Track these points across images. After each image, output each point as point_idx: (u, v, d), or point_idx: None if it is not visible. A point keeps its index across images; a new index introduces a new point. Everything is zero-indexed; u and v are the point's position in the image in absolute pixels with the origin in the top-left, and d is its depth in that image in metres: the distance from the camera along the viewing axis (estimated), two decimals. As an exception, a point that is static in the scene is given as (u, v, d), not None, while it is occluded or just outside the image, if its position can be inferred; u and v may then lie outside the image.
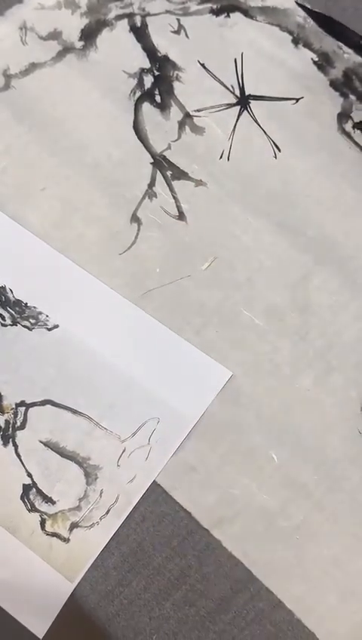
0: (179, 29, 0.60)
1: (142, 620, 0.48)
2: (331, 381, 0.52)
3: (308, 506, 0.50)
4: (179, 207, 0.55)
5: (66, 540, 0.49)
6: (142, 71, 0.59)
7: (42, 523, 0.49)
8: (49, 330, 0.52)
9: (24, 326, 0.52)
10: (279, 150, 0.57)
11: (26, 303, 0.53)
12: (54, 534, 0.49)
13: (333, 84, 0.58)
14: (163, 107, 0.58)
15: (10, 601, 0.48)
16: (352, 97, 0.57)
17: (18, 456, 0.50)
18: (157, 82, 0.58)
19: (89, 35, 0.60)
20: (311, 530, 0.48)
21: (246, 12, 0.60)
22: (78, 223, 0.55)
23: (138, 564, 0.49)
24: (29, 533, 0.49)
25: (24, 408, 0.51)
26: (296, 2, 0.58)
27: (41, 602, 0.48)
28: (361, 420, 0.51)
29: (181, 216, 0.55)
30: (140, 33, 0.60)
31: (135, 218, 0.55)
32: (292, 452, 0.51)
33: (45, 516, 0.49)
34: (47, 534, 0.49)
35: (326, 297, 0.53)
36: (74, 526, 0.49)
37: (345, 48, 0.59)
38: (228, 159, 0.56)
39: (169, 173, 0.56)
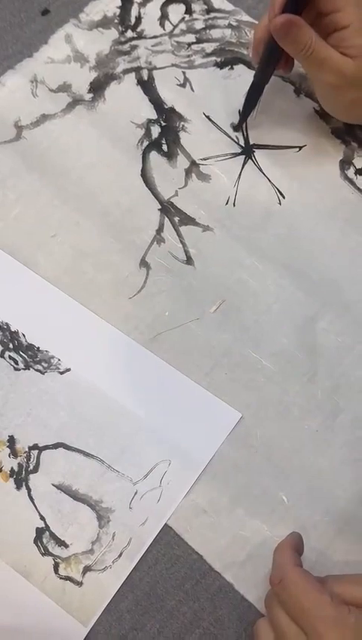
0: (184, 82, 0.62)
1: (156, 665, 0.48)
2: (339, 422, 0.52)
3: (320, 547, 0.50)
4: (186, 252, 0.57)
5: (79, 584, 0.49)
6: (150, 121, 0.61)
7: (56, 567, 0.49)
8: (61, 373, 0.53)
9: (37, 370, 0.53)
10: (283, 197, 0.58)
11: (39, 347, 0.54)
12: (67, 578, 0.49)
13: (335, 132, 0.60)
14: (170, 156, 0.60)
15: (24, 647, 0.48)
16: (354, 144, 0.59)
17: (31, 499, 0.50)
18: (164, 132, 0.60)
19: (98, 88, 0.62)
20: (323, 573, 0.48)
21: (249, 64, 0.62)
22: (88, 269, 0.56)
23: (151, 607, 0.49)
24: (43, 578, 0.49)
25: (37, 452, 0.51)
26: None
27: (55, 647, 0.48)
28: (370, 460, 0.52)
29: (189, 260, 0.56)
30: (147, 86, 0.62)
31: (144, 263, 0.56)
32: (302, 493, 0.51)
33: (59, 560, 0.49)
34: (61, 578, 0.49)
35: (332, 339, 0.54)
36: (87, 569, 0.49)
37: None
38: (234, 205, 0.58)
39: (176, 219, 0.58)
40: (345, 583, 0.44)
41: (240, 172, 0.59)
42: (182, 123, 0.61)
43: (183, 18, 0.64)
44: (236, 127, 0.60)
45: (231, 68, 0.62)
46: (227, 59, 0.63)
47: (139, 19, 0.64)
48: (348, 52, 0.51)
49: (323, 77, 0.53)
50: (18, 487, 0.51)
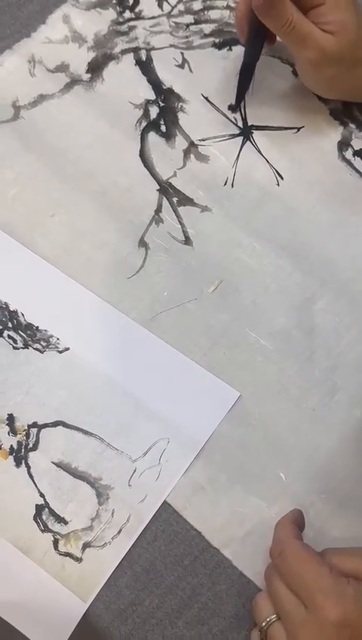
0: (182, 63, 0.62)
1: (155, 639, 0.48)
2: (336, 401, 0.53)
3: (317, 524, 0.50)
4: (185, 232, 0.57)
5: (79, 560, 0.49)
6: (148, 102, 0.61)
7: (55, 543, 0.49)
8: (60, 352, 0.53)
9: (35, 349, 0.53)
10: (282, 178, 0.58)
11: (37, 327, 0.54)
12: (67, 554, 0.49)
13: (333, 113, 0.60)
14: (168, 136, 0.60)
15: (24, 621, 0.48)
16: (352, 126, 0.60)
17: (31, 477, 0.50)
18: (163, 113, 0.60)
19: (96, 68, 0.62)
20: (320, 549, 0.48)
21: (248, 46, 0.62)
22: (86, 248, 0.56)
23: (150, 583, 0.49)
24: (43, 554, 0.49)
25: (36, 429, 0.51)
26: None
27: (54, 622, 0.48)
28: (367, 438, 0.52)
29: (187, 240, 0.57)
30: (145, 67, 0.62)
31: (142, 243, 0.56)
32: (300, 471, 0.51)
33: (58, 536, 0.49)
34: (60, 554, 0.49)
35: (330, 319, 0.55)
36: (86, 546, 0.49)
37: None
38: (233, 186, 0.58)
39: (175, 199, 0.58)
40: (344, 555, 0.44)
41: (239, 153, 0.59)
42: (181, 104, 0.61)
43: (181, -1, 0.64)
44: (233, 108, 0.60)
45: (230, 49, 0.62)
46: (225, 40, 0.63)
47: (137, 0, 0.64)
48: (326, 28, 0.52)
49: (304, 53, 0.53)
50: (17, 465, 0.51)
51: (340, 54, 0.52)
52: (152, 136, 0.60)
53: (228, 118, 0.60)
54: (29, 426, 0.52)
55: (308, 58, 0.53)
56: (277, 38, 0.56)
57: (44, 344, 0.53)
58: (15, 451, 0.51)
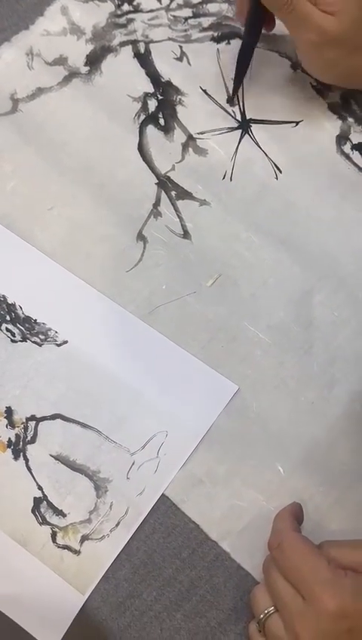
0: (181, 56, 0.62)
1: (153, 632, 0.48)
2: (335, 394, 0.53)
3: (315, 518, 0.50)
4: (183, 226, 0.57)
5: (77, 553, 0.49)
6: (146, 95, 0.61)
7: (53, 536, 0.49)
8: (58, 345, 0.53)
9: (34, 342, 0.53)
10: (280, 171, 0.58)
11: (36, 320, 0.54)
12: (65, 547, 0.49)
13: (332, 108, 0.60)
14: (167, 130, 0.59)
15: (22, 614, 0.48)
16: (350, 120, 0.59)
17: (29, 469, 0.50)
18: (161, 106, 0.60)
19: (94, 61, 0.61)
20: (318, 542, 0.48)
21: (246, 39, 0.62)
22: (85, 242, 0.56)
23: (148, 575, 0.49)
24: (41, 546, 0.49)
25: (34, 422, 0.51)
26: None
27: (52, 614, 0.48)
28: (365, 431, 0.52)
29: (186, 234, 0.57)
30: (144, 59, 0.62)
31: (141, 236, 0.56)
32: (298, 464, 0.51)
33: (56, 529, 0.49)
34: (59, 547, 0.49)
35: (328, 313, 0.55)
36: (84, 538, 0.49)
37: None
38: (231, 180, 0.58)
39: (173, 193, 0.58)
40: (341, 547, 0.44)
41: (237, 146, 0.59)
42: (179, 97, 0.60)
43: (180, -8, 0.64)
44: (230, 98, 0.60)
45: (228, 42, 0.62)
46: (224, 33, 0.62)
47: (135, -8, 0.64)
48: (328, 10, 0.52)
49: (304, 35, 0.53)
50: (16, 458, 0.51)
51: (341, 36, 0.52)
52: (151, 130, 0.60)
53: (226, 111, 0.60)
54: (28, 419, 0.52)
55: (309, 39, 0.53)
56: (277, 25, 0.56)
57: (42, 337, 0.53)
58: (13, 444, 0.51)
